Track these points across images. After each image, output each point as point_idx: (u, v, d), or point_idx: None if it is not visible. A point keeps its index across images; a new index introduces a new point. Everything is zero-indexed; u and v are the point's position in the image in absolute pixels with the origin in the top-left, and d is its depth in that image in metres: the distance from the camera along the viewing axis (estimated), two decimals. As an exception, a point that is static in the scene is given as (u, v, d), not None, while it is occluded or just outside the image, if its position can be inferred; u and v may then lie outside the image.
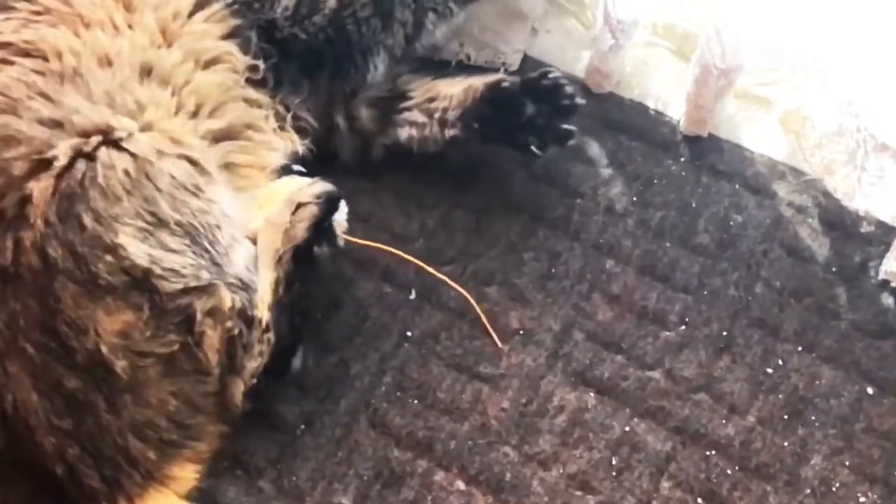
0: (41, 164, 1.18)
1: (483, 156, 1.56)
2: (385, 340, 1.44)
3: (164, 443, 1.23)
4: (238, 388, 1.29)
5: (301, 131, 1.45)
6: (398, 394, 1.41)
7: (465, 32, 1.63)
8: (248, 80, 1.38)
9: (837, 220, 1.55)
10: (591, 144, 1.60)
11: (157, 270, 1.18)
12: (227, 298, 1.24)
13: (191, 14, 1.34)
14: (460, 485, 1.35)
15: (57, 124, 1.20)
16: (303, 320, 1.36)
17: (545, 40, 1.69)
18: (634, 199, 1.56)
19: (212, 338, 1.24)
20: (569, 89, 1.46)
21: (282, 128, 1.42)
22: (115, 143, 1.19)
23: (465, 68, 1.59)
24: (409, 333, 1.45)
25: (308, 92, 1.44)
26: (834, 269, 1.51)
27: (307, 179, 1.38)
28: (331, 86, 1.46)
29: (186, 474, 1.27)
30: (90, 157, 1.18)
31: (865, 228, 1.54)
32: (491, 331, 1.44)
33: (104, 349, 1.17)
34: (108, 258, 1.17)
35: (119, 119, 1.22)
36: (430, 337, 1.45)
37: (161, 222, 1.19)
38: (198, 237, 1.22)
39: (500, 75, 1.48)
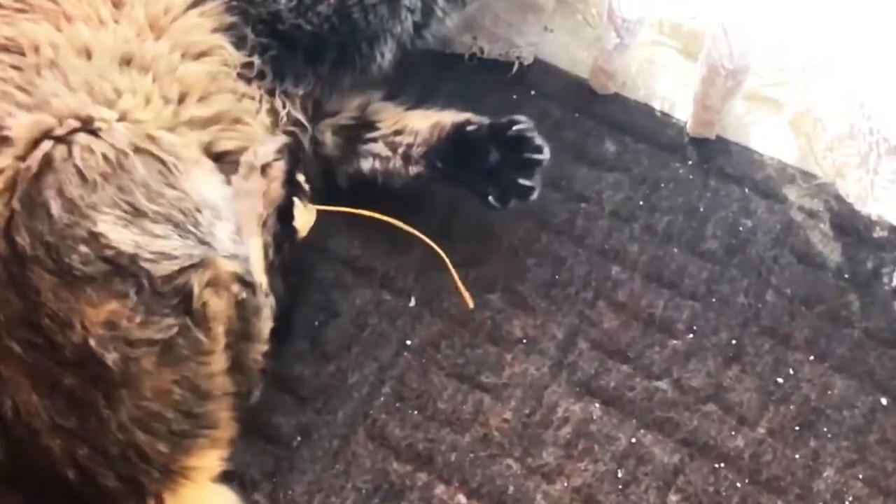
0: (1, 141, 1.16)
1: None
2: (384, 349, 1.44)
3: (175, 434, 1.20)
4: (257, 351, 1.28)
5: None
6: (397, 404, 1.40)
7: (478, 25, 1.62)
8: (241, 76, 1.36)
9: (849, 225, 1.54)
10: (596, 147, 1.60)
11: (146, 255, 1.16)
12: (226, 265, 1.22)
13: (185, 11, 1.34)
14: (461, 499, 1.34)
15: (26, 106, 1.18)
16: (298, 278, 1.37)
17: (549, 39, 1.69)
18: (641, 203, 1.55)
19: (217, 305, 1.21)
20: (536, 142, 1.43)
21: (273, 126, 1.40)
22: (94, 133, 1.17)
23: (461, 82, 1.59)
24: (408, 342, 1.45)
25: (313, 82, 1.43)
26: (846, 276, 1.50)
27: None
28: (333, 76, 1.44)
29: (209, 463, 1.23)
30: (62, 140, 1.16)
31: (878, 233, 1.53)
32: (464, 291, 1.44)
33: (92, 342, 1.14)
34: (83, 249, 1.13)
35: (98, 109, 1.20)
36: (431, 345, 1.44)
37: (139, 212, 1.17)
38: (180, 223, 1.19)
39: (468, 115, 1.46)
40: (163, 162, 1.22)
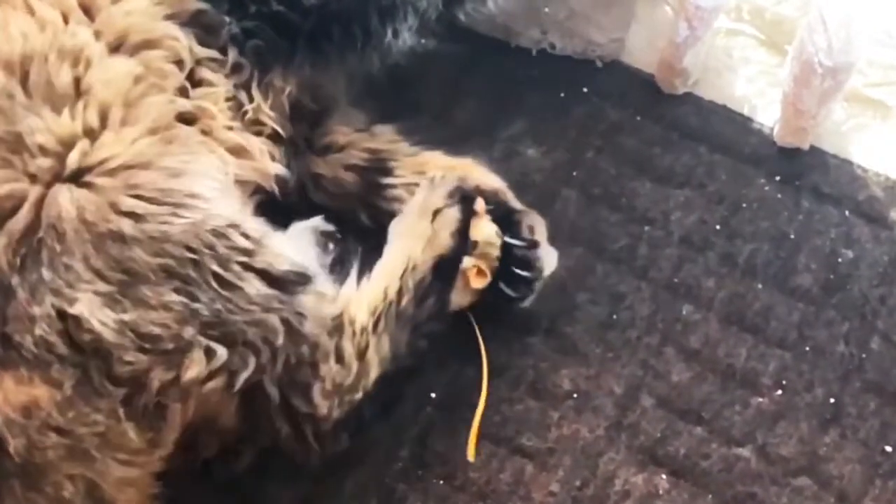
0: None
1: (526, 169, 1.55)
2: (402, 403, 1.41)
3: None
4: (316, 395, 1.29)
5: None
6: (419, 472, 1.38)
7: (549, 17, 1.62)
8: (207, 67, 1.36)
9: (973, 257, 1.52)
10: (663, 158, 1.58)
11: (127, 343, 1.17)
12: (199, 362, 1.21)
13: None
14: (498, 591, 1.34)
15: None
16: (427, 345, 1.38)
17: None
18: (717, 227, 1.54)
19: (175, 411, 1.22)
20: (534, 261, 1.43)
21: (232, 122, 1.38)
22: (51, 225, 1.18)
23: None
24: (431, 395, 1.43)
25: (309, 71, 1.42)
26: (969, 320, 1.48)
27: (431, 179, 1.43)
28: (335, 61, 1.43)
29: None
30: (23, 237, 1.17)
31: None
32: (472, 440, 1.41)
33: None
34: (41, 330, 1.15)
35: (26, 186, 1.19)
36: (459, 400, 1.42)
37: (137, 277, 1.18)
38: (194, 270, 1.20)
39: (497, 184, 1.47)
40: (159, 169, 1.22)
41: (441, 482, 1.37)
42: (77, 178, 1.20)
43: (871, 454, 1.39)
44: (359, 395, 1.31)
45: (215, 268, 1.20)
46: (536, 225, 1.45)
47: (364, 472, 1.37)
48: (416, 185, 1.46)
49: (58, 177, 1.20)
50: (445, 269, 1.38)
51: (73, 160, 1.21)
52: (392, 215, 1.46)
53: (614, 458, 1.39)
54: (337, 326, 1.30)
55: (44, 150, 1.20)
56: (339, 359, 1.30)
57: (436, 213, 1.40)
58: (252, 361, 1.23)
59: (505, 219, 1.44)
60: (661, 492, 1.37)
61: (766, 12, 1.64)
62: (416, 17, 1.44)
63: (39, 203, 1.18)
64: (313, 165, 1.47)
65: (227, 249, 1.21)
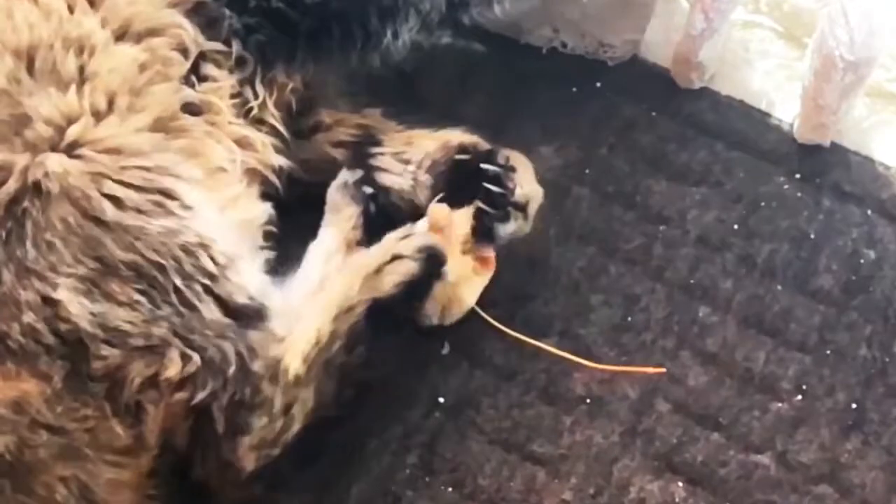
0: None
1: (537, 166, 1.52)
2: (410, 408, 1.41)
3: None
4: (243, 449, 1.27)
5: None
6: (427, 478, 1.38)
7: (561, 16, 1.62)
8: (212, 62, 1.37)
9: None
10: (679, 154, 1.58)
11: (101, 334, 1.18)
12: (176, 363, 1.22)
13: None
14: None
15: None
16: (354, 396, 1.37)
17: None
18: (735, 227, 1.53)
19: (152, 412, 1.22)
20: (508, 185, 1.44)
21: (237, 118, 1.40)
22: (36, 186, 1.19)
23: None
24: (440, 399, 1.42)
25: (312, 68, 1.44)
26: None
27: (408, 225, 1.42)
28: (336, 60, 1.44)
29: None
30: (9, 207, 1.19)
31: None
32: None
33: None
34: (28, 318, 1.16)
35: (18, 156, 1.21)
36: (469, 404, 1.42)
37: (108, 268, 1.19)
38: (161, 276, 1.21)
39: (476, 139, 1.49)
40: (147, 168, 1.23)
41: (450, 489, 1.36)
42: (70, 149, 1.22)
43: (894, 461, 1.38)
44: (277, 451, 1.29)
45: (178, 282, 1.20)
46: (515, 158, 1.46)
47: (371, 478, 1.36)
48: (405, 153, 1.48)
49: (53, 147, 1.21)
50: (378, 315, 1.36)
51: (71, 133, 1.22)
52: (378, 185, 1.49)
53: (629, 464, 1.38)
54: (273, 375, 1.28)
55: (47, 121, 1.22)
56: (269, 411, 1.28)
57: (395, 257, 1.38)
58: (210, 382, 1.23)
59: (483, 155, 1.46)
60: (677, 500, 1.36)
61: (784, 4, 1.64)
62: (418, 19, 1.45)
63: (28, 169, 1.19)
64: (300, 151, 1.47)
65: (192, 268, 1.21)
